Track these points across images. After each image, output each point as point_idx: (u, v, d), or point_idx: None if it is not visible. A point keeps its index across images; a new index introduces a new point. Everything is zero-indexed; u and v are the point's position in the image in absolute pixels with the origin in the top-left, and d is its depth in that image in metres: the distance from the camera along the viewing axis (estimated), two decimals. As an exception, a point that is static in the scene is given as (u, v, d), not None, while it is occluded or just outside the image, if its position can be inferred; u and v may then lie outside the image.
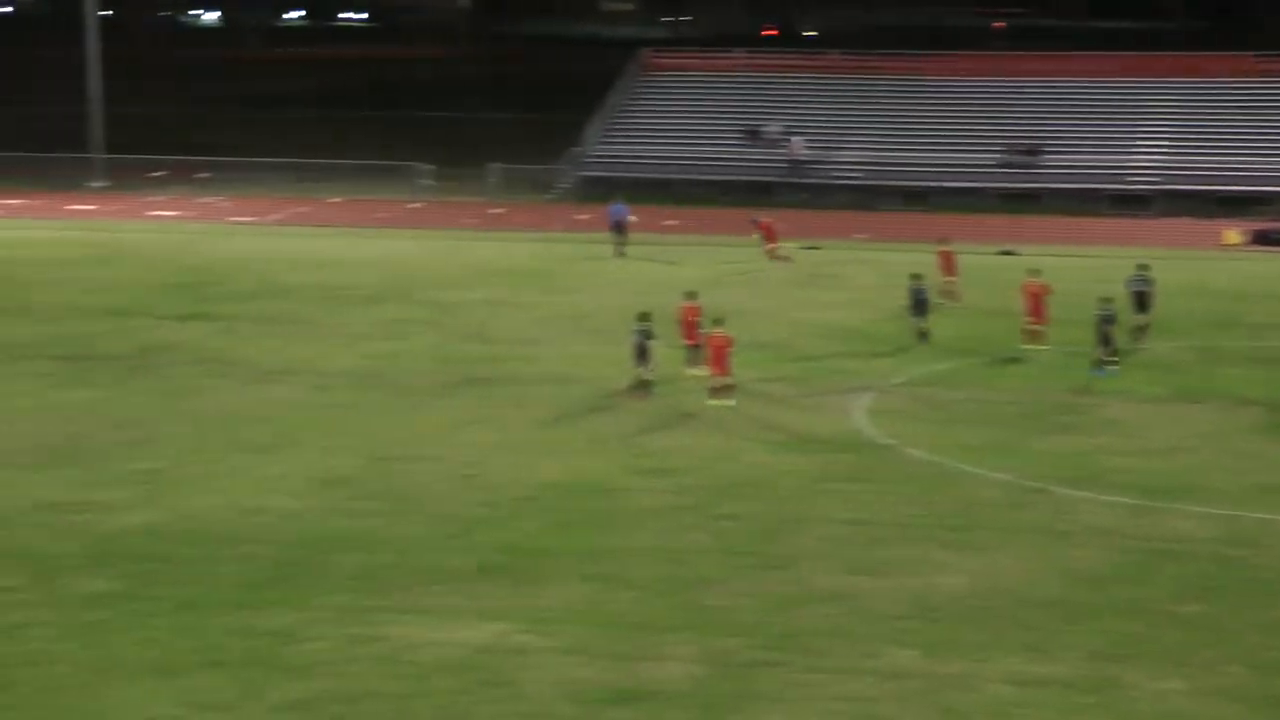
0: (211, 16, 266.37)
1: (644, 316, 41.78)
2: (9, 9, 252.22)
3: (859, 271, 59.61)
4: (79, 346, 46.96)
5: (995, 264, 59.80)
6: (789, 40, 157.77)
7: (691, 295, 43.86)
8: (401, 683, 24.49)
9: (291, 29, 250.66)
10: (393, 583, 28.49)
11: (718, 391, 40.34)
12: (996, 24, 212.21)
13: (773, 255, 61.38)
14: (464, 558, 29.75)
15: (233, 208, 76.24)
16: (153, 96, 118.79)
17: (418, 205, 77.23)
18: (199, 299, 54.04)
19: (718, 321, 41.32)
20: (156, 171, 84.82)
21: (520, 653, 25.61)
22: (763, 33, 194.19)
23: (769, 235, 61.98)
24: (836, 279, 58.41)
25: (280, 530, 31.26)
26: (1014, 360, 45.42)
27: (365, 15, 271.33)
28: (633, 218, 63.44)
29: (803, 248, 64.28)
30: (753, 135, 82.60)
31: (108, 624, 26.63)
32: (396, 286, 56.47)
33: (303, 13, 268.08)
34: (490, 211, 75.23)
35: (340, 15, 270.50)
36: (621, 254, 62.36)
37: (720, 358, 40.48)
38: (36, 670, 24.83)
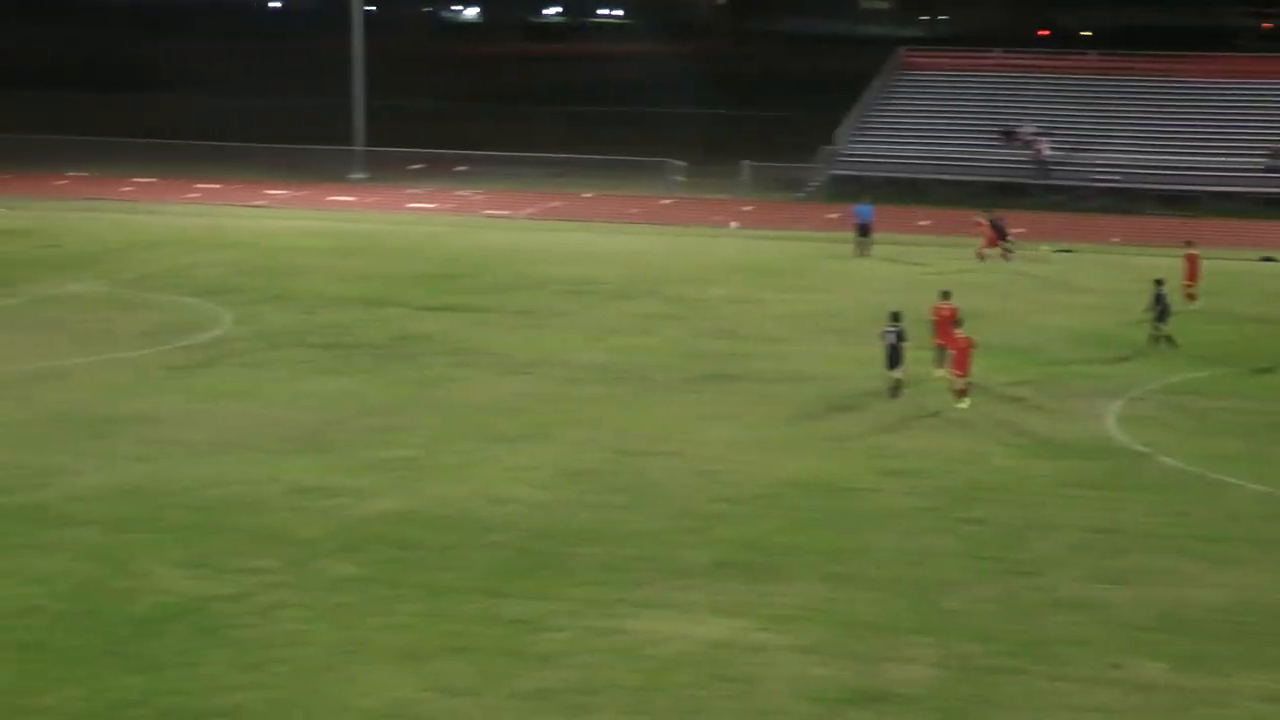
0: (471, 12, 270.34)
1: (896, 316, 41.57)
2: (278, 3, 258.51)
3: (1110, 275, 58.64)
4: (335, 335, 48.05)
5: (1255, 270, 58.43)
6: (1061, 40, 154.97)
7: (946, 295, 43.53)
8: (640, 676, 24.72)
9: (549, 25, 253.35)
10: (634, 576, 28.76)
11: (958, 393, 40.07)
12: (1265, 24, 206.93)
13: (983, 256, 60.92)
14: (704, 553, 29.92)
15: (487, 201, 77.34)
16: (414, 91, 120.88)
17: (669, 201, 77.63)
18: (453, 290, 54.95)
19: (957, 323, 41.08)
20: (415, 165, 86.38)
21: (758, 650, 25.70)
22: (1038, 33, 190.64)
23: (987, 237, 61.46)
24: (1087, 282, 57.53)
25: (527, 520, 31.71)
26: (1271, 369, 44.35)
27: (621, 12, 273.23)
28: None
29: (1056, 250, 63.48)
30: (1007, 136, 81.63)
31: (357, 607, 27.28)
32: (645, 281, 56.87)
33: (560, 9, 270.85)
34: (741, 209, 75.33)
35: (598, 12, 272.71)
36: (864, 254, 62.09)
37: (962, 359, 40.19)
38: (288, 651, 25.53)
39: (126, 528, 30.98)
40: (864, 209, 63.43)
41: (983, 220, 62.19)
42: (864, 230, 62.69)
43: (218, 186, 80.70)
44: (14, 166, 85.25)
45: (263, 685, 24.30)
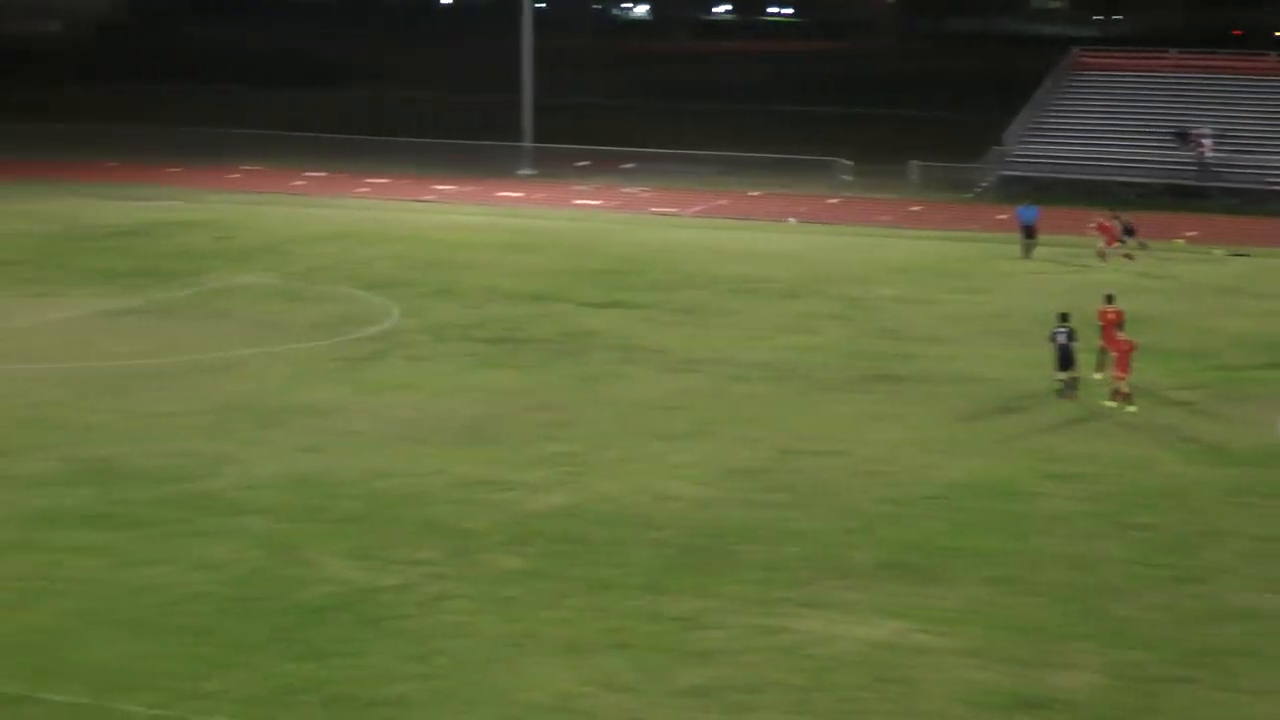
0: (641, 10, 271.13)
1: (1065, 317, 41.13)
2: (449, 1, 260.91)
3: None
4: (502, 330, 48.40)
5: None
6: (1256, 42, 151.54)
7: (1110, 299, 43.01)
8: (801, 675, 24.67)
9: (719, 23, 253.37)
10: (796, 575, 28.70)
11: (1121, 396, 39.56)
12: None
13: (1104, 255, 60.19)
14: (867, 553, 29.80)
15: (654, 198, 77.50)
16: (583, 88, 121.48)
17: (836, 201, 77.33)
18: (619, 287, 55.15)
19: (1120, 327, 40.62)
20: (582, 161, 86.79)
21: (920, 652, 25.55)
22: (1234, 33, 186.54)
23: (1108, 235, 60.69)
24: (1263, 287, 56.51)
25: (690, 517, 31.76)
26: None
27: (791, 10, 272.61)
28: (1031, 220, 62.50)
29: (1231, 254, 62.48)
30: (1181, 138, 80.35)
31: (521, 601, 27.46)
32: (811, 281, 56.72)
33: (730, 7, 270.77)
34: (909, 209, 74.89)
35: (768, 10, 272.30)
36: (1029, 256, 61.46)
37: (1124, 362, 39.71)
38: (453, 642, 25.77)
39: (295, 517, 31.45)
40: (1028, 210, 62.81)
41: (1106, 221, 61.48)
42: (1029, 232, 62.07)
43: (387, 181, 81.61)
44: (190, 160, 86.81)
45: (427, 676, 24.55)
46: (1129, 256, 60.49)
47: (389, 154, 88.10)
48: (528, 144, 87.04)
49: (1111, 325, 41.74)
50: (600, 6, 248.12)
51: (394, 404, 39.81)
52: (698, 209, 74.33)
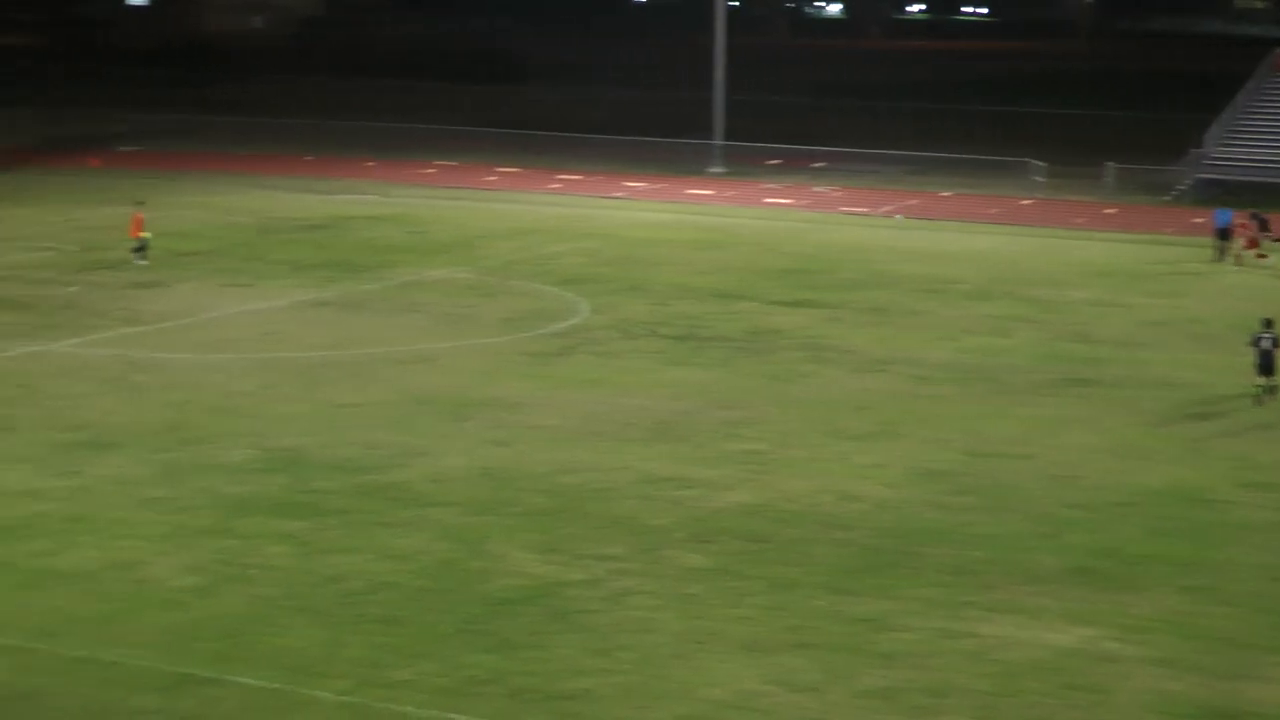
0: (835, 8, 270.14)
1: (1269, 323, 40.29)
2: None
3: None
4: (689, 327, 48.45)
5: None
6: None
7: None
8: (988, 680, 24.40)
9: (913, 22, 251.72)
10: (983, 579, 28.41)
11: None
12: None
13: (1240, 260, 58.89)
14: (1056, 559, 29.41)
15: (844, 198, 77.16)
16: (774, 86, 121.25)
17: (1029, 202, 76.44)
18: (807, 286, 54.97)
19: None
20: (773, 160, 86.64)
21: (1109, 660, 25.16)
22: None
23: (1248, 238, 59.42)
24: None
25: (875, 518, 31.57)
26: None
27: (986, 10, 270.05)
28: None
29: None
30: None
31: (704, 598, 27.47)
32: (1001, 282, 56.12)
33: (924, 6, 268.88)
34: (1103, 211, 73.83)
35: (963, 10, 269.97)
36: (1224, 260, 60.32)
37: None
38: (637, 638, 25.83)
39: (483, 510, 31.72)
40: (1223, 214, 61.73)
41: (1245, 221, 60.25)
42: (1224, 235, 60.98)
43: (578, 178, 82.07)
44: (384, 154, 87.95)
45: (611, 671, 24.63)
46: (1263, 256, 59.26)
47: (580, 150, 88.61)
48: (718, 142, 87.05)
49: None
50: (794, 5, 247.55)
51: (581, 399, 40.01)
52: (887, 208, 73.87)
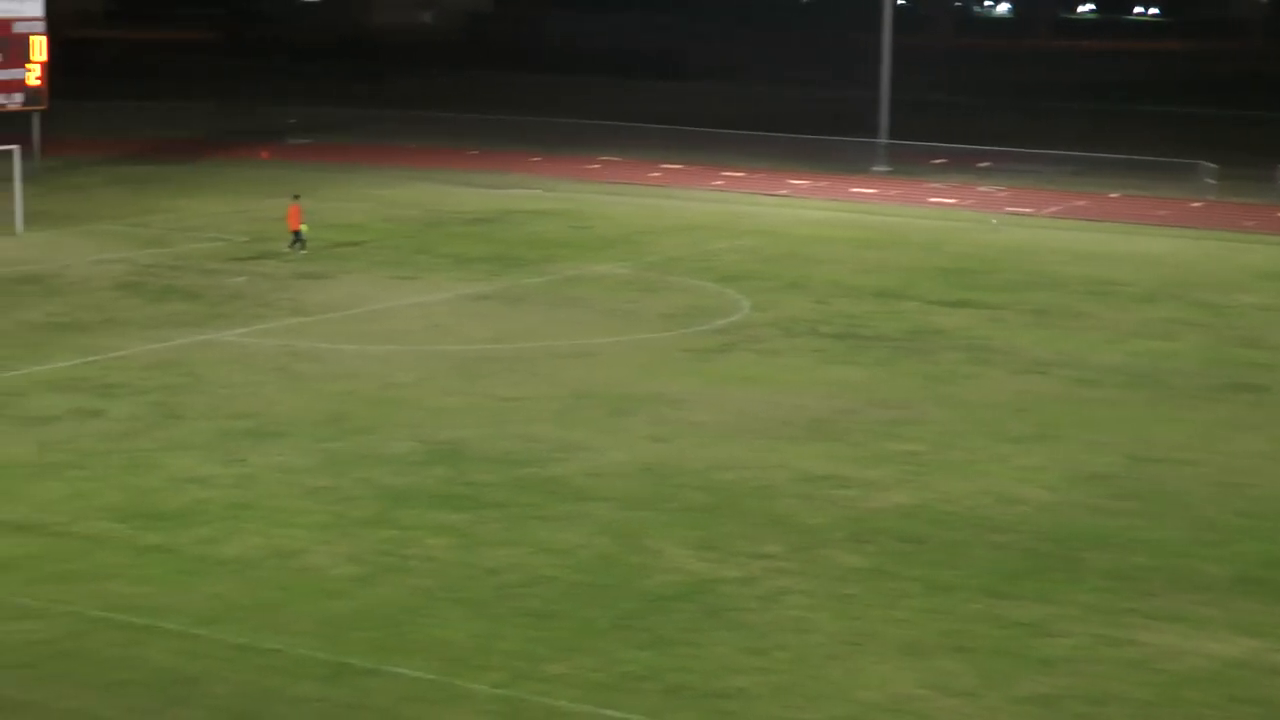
0: (1003, 8, 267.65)
1: None
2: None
3: None
4: (849, 325, 48.22)
5: None
6: None
7: None
8: (1149, 690, 24.03)
9: (1081, 22, 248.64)
10: (1145, 586, 27.99)
11: None
12: None
13: None
14: (1221, 568, 28.90)
15: (1009, 198, 76.34)
16: (940, 85, 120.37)
17: (1199, 204, 75.20)
18: (969, 286, 54.48)
19: None
20: (937, 159, 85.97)
21: (1277, 672, 24.67)
22: None
23: None
24: None
25: (1035, 522, 31.21)
26: None
27: (1156, 10, 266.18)
28: None
29: None
30: None
31: (861, 599, 27.31)
32: (1169, 286, 55.26)
33: (1093, 6, 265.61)
34: (1275, 214, 72.42)
35: (1134, 10, 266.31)
36: None
37: None
38: (792, 637, 25.73)
39: (640, 505, 31.76)
40: None
41: None
42: None
43: (742, 175, 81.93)
44: (550, 149, 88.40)
45: (766, 670, 24.55)
46: None
47: (744, 147, 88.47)
48: (883, 140, 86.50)
49: None
50: (961, 4, 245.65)
51: (741, 396, 39.95)
52: (1053, 209, 73.02)
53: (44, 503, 31.25)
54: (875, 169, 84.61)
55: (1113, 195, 77.41)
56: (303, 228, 57.37)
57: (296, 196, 59.37)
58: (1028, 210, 72.61)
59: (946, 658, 25.05)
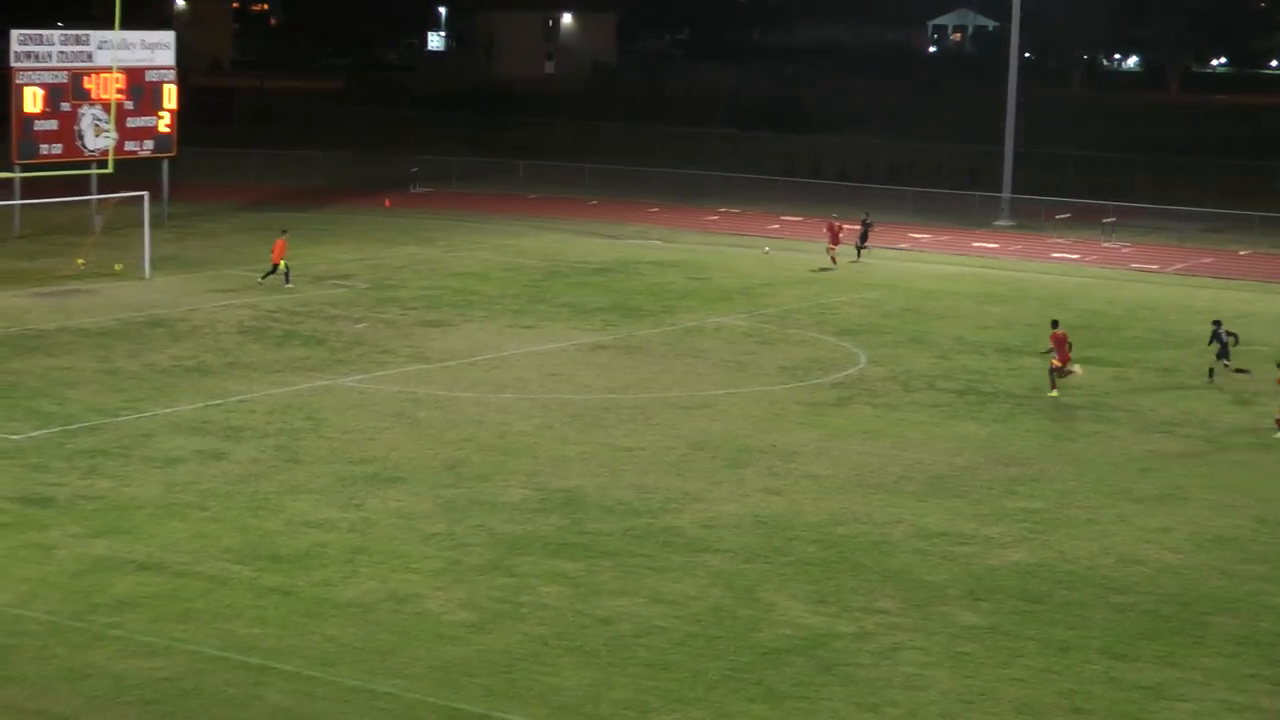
0: (1132, 62, 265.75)
1: None
2: (934, 49, 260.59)
3: None
4: (970, 381, 47.86)
5: None
6: None
7: None
8: (1270, 756, 23.59)
9: (1213, 76, 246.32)
10: (1272, 652, 27.49)
11: None
12: None
13: None
14: (1349, 634, 28.34)
15: (1134, 254, 75.64)
16: (1066, 139, 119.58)
17: (1330, 262, 74.10)
18: (1093, 343, 53.91)
19: None
20: (1061, 214, 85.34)
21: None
22: None
23: None
24: None
25: (1158, 583, 30.76)
26: None
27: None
28: None
29: None
30: None
31: (977, 657, 27.00)
32: (1299, 345, 54.43)
33: (1225, 60, 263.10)
34: None
35: (1270, 64, 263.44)
36: None
37: None
38: (906, 694, 25.47)
39: (754, 558, 31.62)
40: None
41: None
42: None
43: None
44: (669, 200, 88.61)
45: (878, 726, 24.34)
46: None
47: (866, 200, 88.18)
48: (1006, 194, 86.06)
49: None
50: (1089, 57, 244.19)
51: (857, 450, 39.73)
52: (1179, 266, 72.25)
53: (168, 542, 31.60)
54: (998, 223, 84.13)
55: (1242, 252, 76.50)
56: (281, 264, 59.87)
57: (284, 231, 61.98)
58: (1152, 267, 71.87)
59: (1063, 719, 24.68)
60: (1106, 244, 78.51)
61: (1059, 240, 79.53)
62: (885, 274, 67.92)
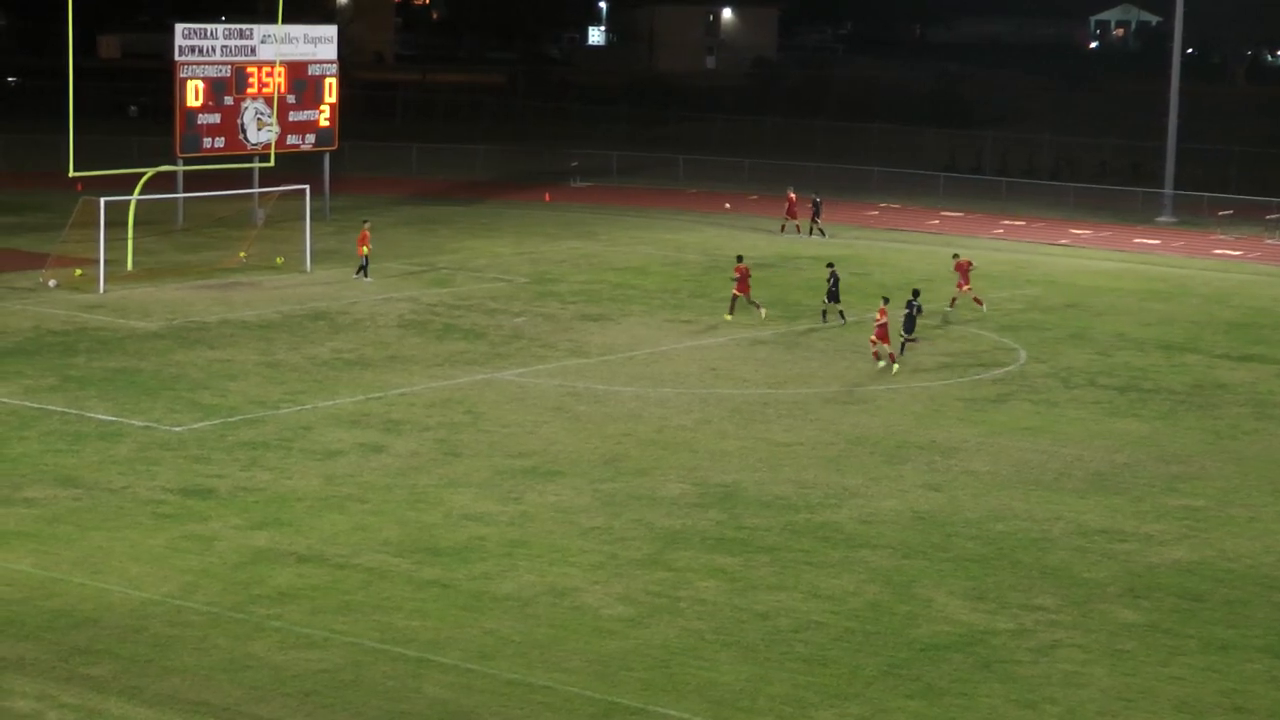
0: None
1: None
2: (1095, 44, 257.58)
3: None
4: (1131, 378, 47.43)
5: None
6: None
7: None
8: None
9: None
10: None
11: None
12: None
13: None
14: None
15: (1301, 250, 74.49)
16: (1229, 135, 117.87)
17: None
18: (1256, 340, 53.24)
19: None
20: (1224, 210, 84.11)
21: None
22: None
23: None
24: None
25: (1320, 584, 30.41)
26: None
27: None
28: None
29: None
30: None
31: (1136, 655, 26.87)
32: None
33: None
34: None
35: None
36: None
37: None
38: (1064, 691, 25.41)
39: (913, 553, 31.63)
40: None
41: None
42: None
43: (1021, 223, 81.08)
44: (831, 195, 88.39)
45: (1035, 723, 24.31)
46: None
47: (1025, 196, 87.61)
48: (1168, 191, 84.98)
49: None
50: (1252, 52, 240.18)
51: (1017, 447, 39.56)
52: None
53: (328, 535, 32.14)
54: (1160, 219, 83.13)
55: None
56: (366, 250, 60.45)
57: (365, 221, 62.97)
58: (1320, 263, 70.70)
59: (1223, 718, 24.51)
60: (1270, 241, 77.33)
61: (1221, 237, 78.45)
62: (1046, 270, 67.40)
